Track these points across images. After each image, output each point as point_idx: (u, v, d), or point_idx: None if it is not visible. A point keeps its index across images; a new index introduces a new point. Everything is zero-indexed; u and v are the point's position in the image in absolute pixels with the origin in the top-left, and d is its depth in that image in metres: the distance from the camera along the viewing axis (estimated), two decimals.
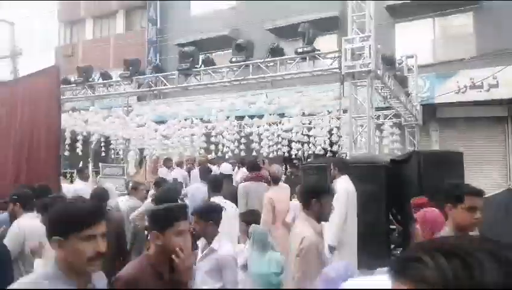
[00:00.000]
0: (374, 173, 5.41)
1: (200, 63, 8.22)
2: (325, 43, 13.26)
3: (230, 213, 4.87)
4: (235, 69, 7.84)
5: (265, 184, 5.82)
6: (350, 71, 6.40)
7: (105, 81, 9.09)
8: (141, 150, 15.85)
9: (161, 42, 19.46)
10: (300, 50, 6.94)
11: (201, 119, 11.39)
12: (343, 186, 4.85)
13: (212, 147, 12.04)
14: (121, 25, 20.83)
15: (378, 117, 11.41)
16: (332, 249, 4.62)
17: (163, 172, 9.74)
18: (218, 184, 4.88)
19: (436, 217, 3.25)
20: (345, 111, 7.65)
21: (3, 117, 6.32)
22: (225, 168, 6.09)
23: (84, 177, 7.56)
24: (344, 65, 6.41)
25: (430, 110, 13.07)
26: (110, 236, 4.64)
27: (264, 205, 5.19)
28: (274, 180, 5.30)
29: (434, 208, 3.47)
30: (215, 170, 7.92)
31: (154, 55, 19.25)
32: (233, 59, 7.65)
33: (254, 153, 11.40)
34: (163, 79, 8.45)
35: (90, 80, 9.25)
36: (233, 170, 9.85)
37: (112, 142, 15.38)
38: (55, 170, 5.71)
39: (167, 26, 19.55)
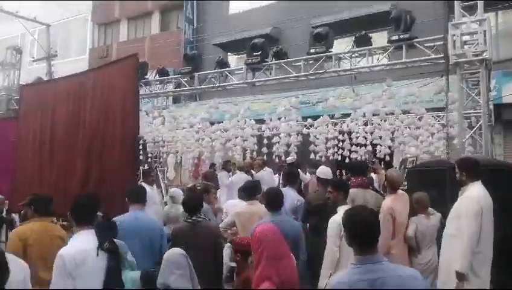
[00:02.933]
0: (507, 179, 4.54)
1: (271, 56, 7.51)
2: (377, 39, 12.42)
3: None
4: (311, 62, 7.10)
5: (373, 191, 5.02)
6: (460, 60, 5.58)
7: (163, 77, 8.45)
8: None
9: (198, 42, 18.91)
10: (395, 38, 6.14)
11: (260, 120, 10.57)
12: (477, 197, 3.84)
13: (264, 149, 11.26)
14: (156, 25, 20.40)
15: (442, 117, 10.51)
16: (462, 277, 3.68)
17: (223, 176, 9.01)
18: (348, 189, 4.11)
19: None
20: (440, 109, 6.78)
21: (70, 110, 5.73)
22: (324, 171, 5.30)
23: (149, 181, 6.84)
24: (452, 54, 5.60)
25: (495, 111, 12.09)
26: (207, 253, 3.72)
27: (382, 217, 4.37)
28: (393, 186, 4.48)
29: None
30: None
31: None
32: (312, 50, 6.91)
33: (312, 156, 10.61)
34: (229, 74, 7.75)
35: (146, 77, 8.63)
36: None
37: (148, 145, 14.75)
38: (131, 167, 5.02)
39: (204, 25, 19.02)
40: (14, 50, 11.55)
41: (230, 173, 9.28)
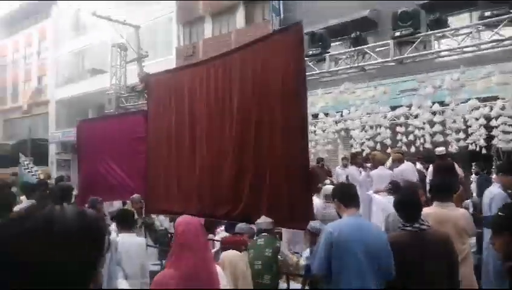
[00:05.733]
0: None
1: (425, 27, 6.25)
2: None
3: None
4: (470, 33, 5.74)
5: None
6: None
7: None
8: None
9: None
10: None
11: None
12: None
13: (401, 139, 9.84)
14: (241, 19, 19.81)
15: None
16: None
17: (354, 171, 7.88)
18: None
19: None
20: None
21: (213, 99, 4.97)
22: None
23: None
24: None
25: None
26: (438, 268, 2.71)
27: None
28: None
29: None
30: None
31: None
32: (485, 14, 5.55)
33: (450, 147, 9.12)
34: (369, 52, 6.62)
35: None
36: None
37: None
38: (300, 158, 4.07)
39: (292, 15, 18.01)
40: (119, 47, 11.42)
41: (361, 168, 8.14)
